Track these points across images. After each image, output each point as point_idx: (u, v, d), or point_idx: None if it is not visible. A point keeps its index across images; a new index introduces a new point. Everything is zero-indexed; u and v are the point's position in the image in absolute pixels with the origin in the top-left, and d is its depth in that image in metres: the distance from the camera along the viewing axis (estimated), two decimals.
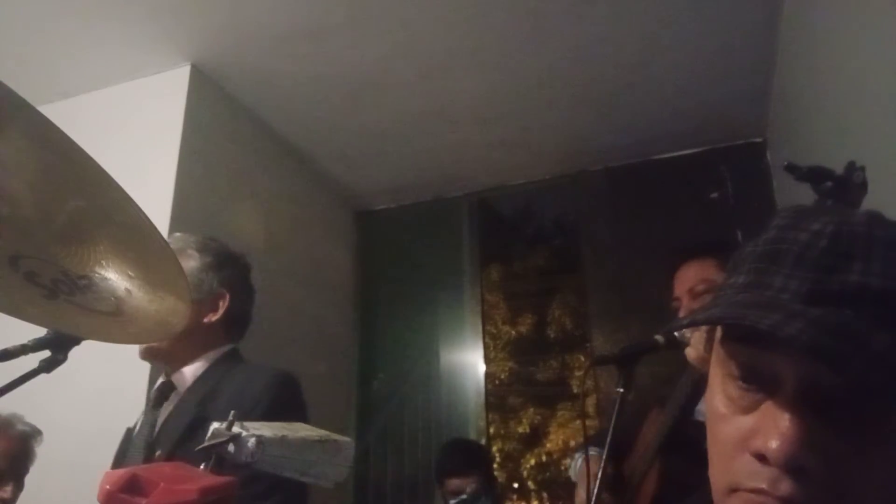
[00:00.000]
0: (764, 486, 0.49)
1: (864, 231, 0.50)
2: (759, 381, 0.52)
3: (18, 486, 1.73)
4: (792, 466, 0.47)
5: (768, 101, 2.85)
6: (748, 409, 0.52)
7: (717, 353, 0.57)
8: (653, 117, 3.03)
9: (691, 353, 1.11)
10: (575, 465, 1.63)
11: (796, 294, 0.50)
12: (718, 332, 0.58)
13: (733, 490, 0.52)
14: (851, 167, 0.86)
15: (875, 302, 0.48)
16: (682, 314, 1.40)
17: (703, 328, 0.92)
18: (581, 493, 1.46)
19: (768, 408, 0.50)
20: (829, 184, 0.87)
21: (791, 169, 0.81)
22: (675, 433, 1.30)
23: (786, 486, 0.48)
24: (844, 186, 0.87)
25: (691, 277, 1.42)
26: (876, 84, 1.52)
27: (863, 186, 0.88)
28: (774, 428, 0.49)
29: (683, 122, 3.05)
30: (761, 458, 0.49)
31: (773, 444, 0.48)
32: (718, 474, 0.54)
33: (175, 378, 1.36)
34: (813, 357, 0.47)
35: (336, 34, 2.49)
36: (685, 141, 3.20)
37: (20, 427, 1.77)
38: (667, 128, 3.10)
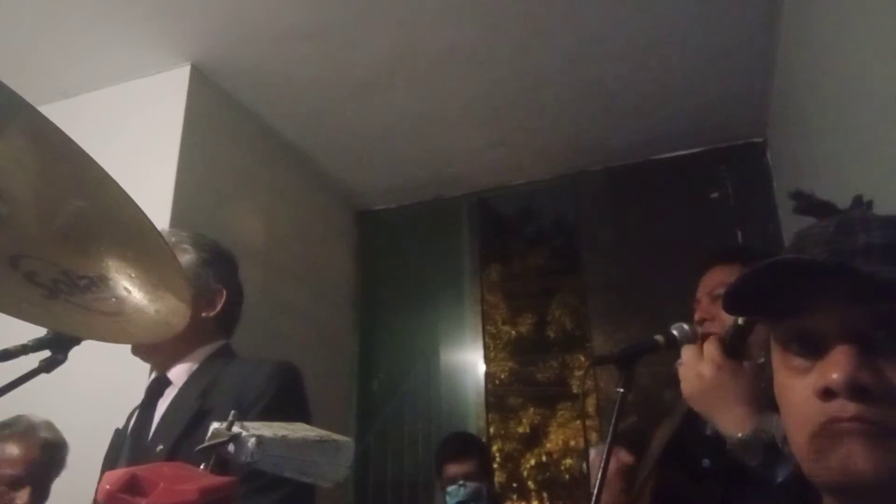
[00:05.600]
0: (835, 413, 0.57)
1: (861, 215, 0.64)
2: (810, 345, 0.61)
3: (38, 495, 1.71)
4: (854, 387, 0.55)
5: (768, 101, 2.85)
6: (808, 370, 0.61)
7: (773, 341, 0.67)
8: (653, 117, 3.02)
9: (685, 387, 1.10)
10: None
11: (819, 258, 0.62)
12: (770, 327, 0.68)
13: (813, 437, 0.59)
14: (857, 202, 0.85)
15: (881, 252, 0.59)
16: (697, 316, 1.41)
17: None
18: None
19: (824, 358, 0.59)
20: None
21: (796, 197, 0.81)
22: (675, 445, 1.29)
23: (852, 407, 0.56)
24: None
25: (715, 281, 1.42)
26: (876, 84, 1.52)
27: None
28: (832, 364, 0.57)
29: (683, 122, 3.05)
30: (827, 392, 0.57)
31: (834, 374, 0.56)
32: (797, 434, 0.61)
33: (169, 373, 1.36)
34: (844, 285, 0.57)
35: (336, 34, 2.49)
36: (685, 141, 3.20)
37: (43, 434, 1.76)
38: (667, 128, 3.10)
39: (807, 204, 0.78)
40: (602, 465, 1.12)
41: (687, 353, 1.12)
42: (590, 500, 1.02)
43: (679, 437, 1.29)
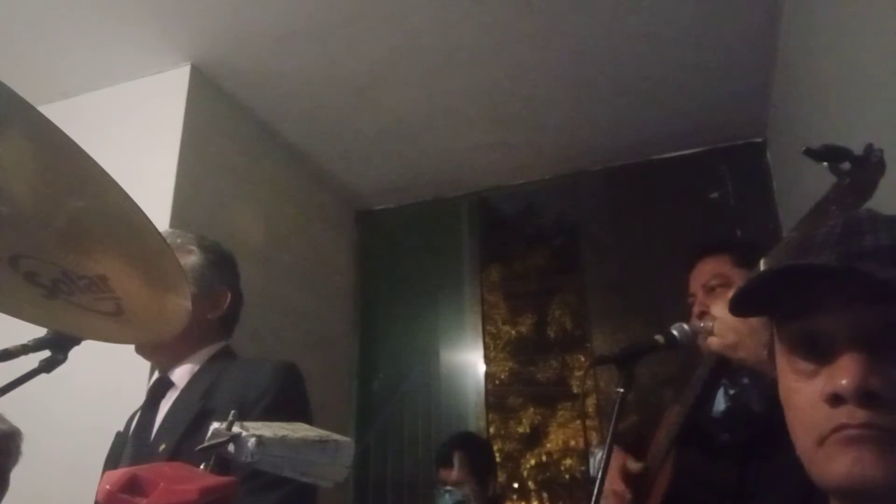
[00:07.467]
0: (844, 420, 0.56)
1: (867, 215, 0.62)
2: (818, 348, 0.60)
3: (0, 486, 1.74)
4: (862, 394, 0.55)
5: (768, 101, 2.85)
6: (815, 373, 0.60)
7: (778, 343, 0.66)
8: (653, 117, 3.02)
9: (714, 341, 1.10)
10: (594, 461, 1.62)
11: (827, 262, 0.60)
12: (774, 328, 0.67)
13: (820, 442, 0.58)
14: (869, 148, 0.85)
15: (889, 254, 0.57)
16: (696, 310, 1.40)
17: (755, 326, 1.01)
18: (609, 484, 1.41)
19: (832, 362, 0.58)
20: (847, 164, 0.86)
21: (809, 153, 0.82)
22: (690, 427, 1.29)
23: (862, 413, 0.55)
24: (861, 166, 0.86)
25: (706, 273, 1.42)
26: (876, 84, 1.52)
27: (880, 165, 0.87)
28: (840, 369, 0.57)
29: (683, 122, 3.05)
30: (835, 399, 0.57)
31: (843, 380, 0.56)
32: (804, 438, 0.61)
33: (172, 374, 1.37)
34: (852, 287, 0.56)
35: (336, 34, 2.48)
36: (685, 141, 3.20)
37: None
38: (667, 128, 3.10)
39: (821, 150, 0.78)
40: (602, 466, 1.12)
41: (719, 309, 1.11)
42: (590, 499, 1.02)
43: (692, 420, 1.28)
